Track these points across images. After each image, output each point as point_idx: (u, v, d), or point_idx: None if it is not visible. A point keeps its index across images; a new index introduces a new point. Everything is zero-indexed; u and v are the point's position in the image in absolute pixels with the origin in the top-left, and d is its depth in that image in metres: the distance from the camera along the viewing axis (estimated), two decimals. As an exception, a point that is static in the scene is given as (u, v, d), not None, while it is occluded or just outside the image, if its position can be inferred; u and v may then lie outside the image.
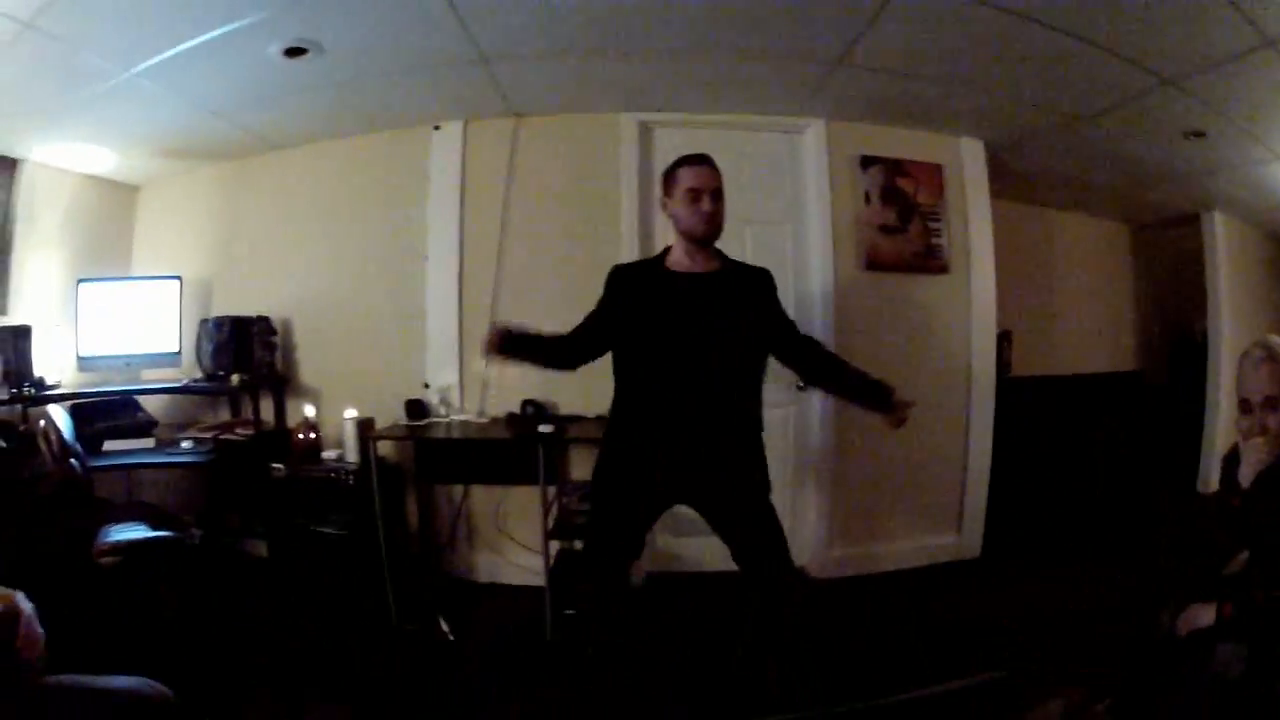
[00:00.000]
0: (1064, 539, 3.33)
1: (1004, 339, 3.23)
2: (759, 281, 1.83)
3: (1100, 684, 1.66)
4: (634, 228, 2.86)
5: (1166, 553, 2.82)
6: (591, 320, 1.89)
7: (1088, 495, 3.29)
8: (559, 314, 2.85)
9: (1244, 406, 1.52)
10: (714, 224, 1.75)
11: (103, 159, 3.09)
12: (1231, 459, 1.56)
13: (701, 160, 1.77)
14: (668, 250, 1.84)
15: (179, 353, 3.17)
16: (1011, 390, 3.21)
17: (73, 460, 2.37)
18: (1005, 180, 3.29)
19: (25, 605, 1.16)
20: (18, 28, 1.94)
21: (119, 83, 2.34)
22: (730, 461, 1.76)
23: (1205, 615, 1.42)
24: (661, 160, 2.97)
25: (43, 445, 2.21)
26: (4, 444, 2.05)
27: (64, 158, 3.01)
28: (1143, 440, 3.61)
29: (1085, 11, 2.08)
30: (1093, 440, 3.41)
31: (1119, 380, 3.85)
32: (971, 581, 2.99)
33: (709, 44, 2.41)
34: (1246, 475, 1.47)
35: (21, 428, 2.47)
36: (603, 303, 1.88)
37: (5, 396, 2.65)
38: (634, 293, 1.80)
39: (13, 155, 2.87)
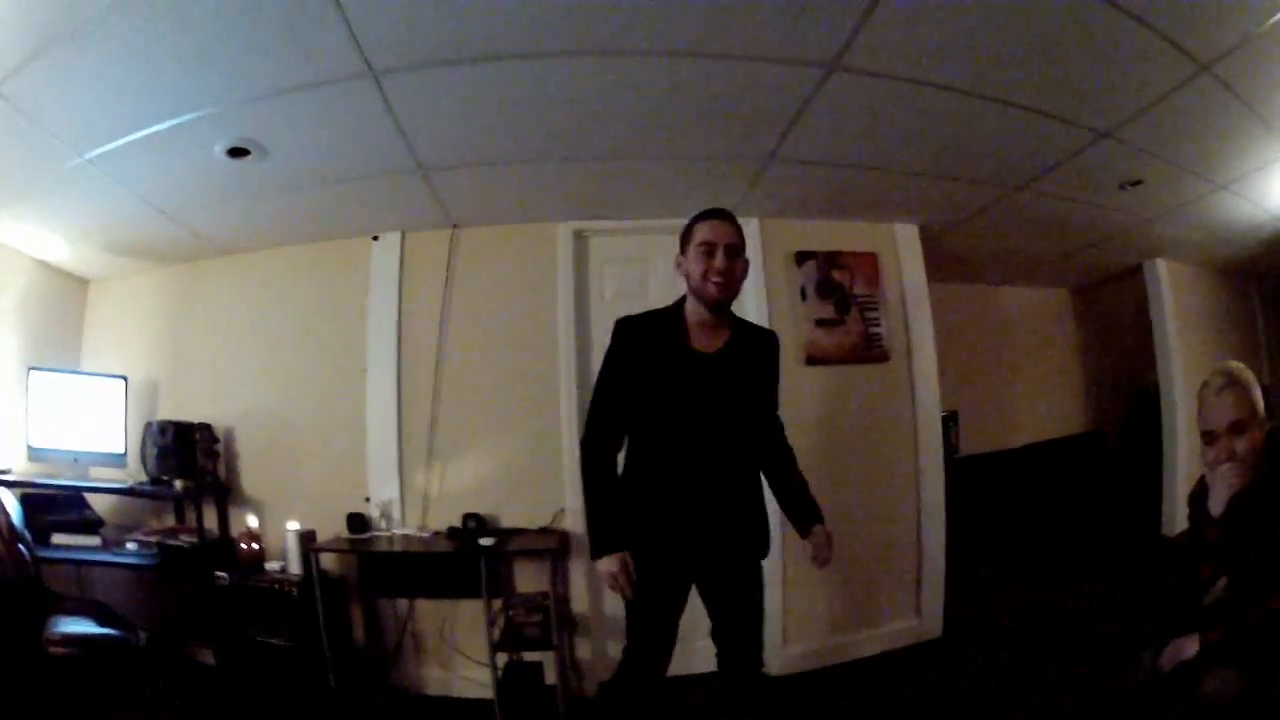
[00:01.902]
0: (1030, 606, 3.33)
1: (949, 420, 3.26)
2: (767, 347, 1.82)
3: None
4: (570, 334, 2.88)
5: (1141, 597, 2.85)
6: (610, 404, 1.77)
7: (1045, 555, 3.30)
8: (496, 423, 2.91)
9: (1208, 438, 1.55)
10: (727, 286, 1.68)
11: (55, 247, 3.08)
12: (1199, 494, 1.59)
13: (719, 215, 1.72)
14: (682, 309, 1.75)
15: (124, 454, 3.15)
16: (961, 469, 3.23)
17: (21, 546, 2.42)
18: (942, 261, 3.36)
19: None
20: None
21: (72, 167, 2.35)
22: (738, 529, 1.77)
23: (1189, 647, 1.45)
24: (597, 267, 3.02)
25: None
26: None
27: (19, 239, 2.99)
28: (1103, 497, 3.64)
29: (1008, 73, 2.09)
30: (1049, 505, 3.43)
31: (1075, 443, 3.89)
32: (935, 662, 2.98)
33: (641, 151, 2.47)
34: (1217, 504, 1.50)
35: None
36: (614, 367, 1.77)
37: None
38: (648, 366, 1.73)
39: None
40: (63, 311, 3.42)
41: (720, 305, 1.71)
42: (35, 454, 3.01)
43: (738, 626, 1.79)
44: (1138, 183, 3.01)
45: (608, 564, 1.66)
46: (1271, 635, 1.34)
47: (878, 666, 2.99)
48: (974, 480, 3.25)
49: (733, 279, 1.69)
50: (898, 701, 2.65)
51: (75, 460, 3.07)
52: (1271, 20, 1.96)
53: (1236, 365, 1.57)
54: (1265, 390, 1.59)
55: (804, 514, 1.86)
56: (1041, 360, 4.07)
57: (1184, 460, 3.96)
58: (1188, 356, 4.11)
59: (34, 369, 3.04)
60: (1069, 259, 3.89)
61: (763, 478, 1.88)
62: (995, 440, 3.65)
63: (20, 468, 2.96)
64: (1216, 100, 2.37)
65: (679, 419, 1.71)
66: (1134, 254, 4.04)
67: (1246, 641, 1.37)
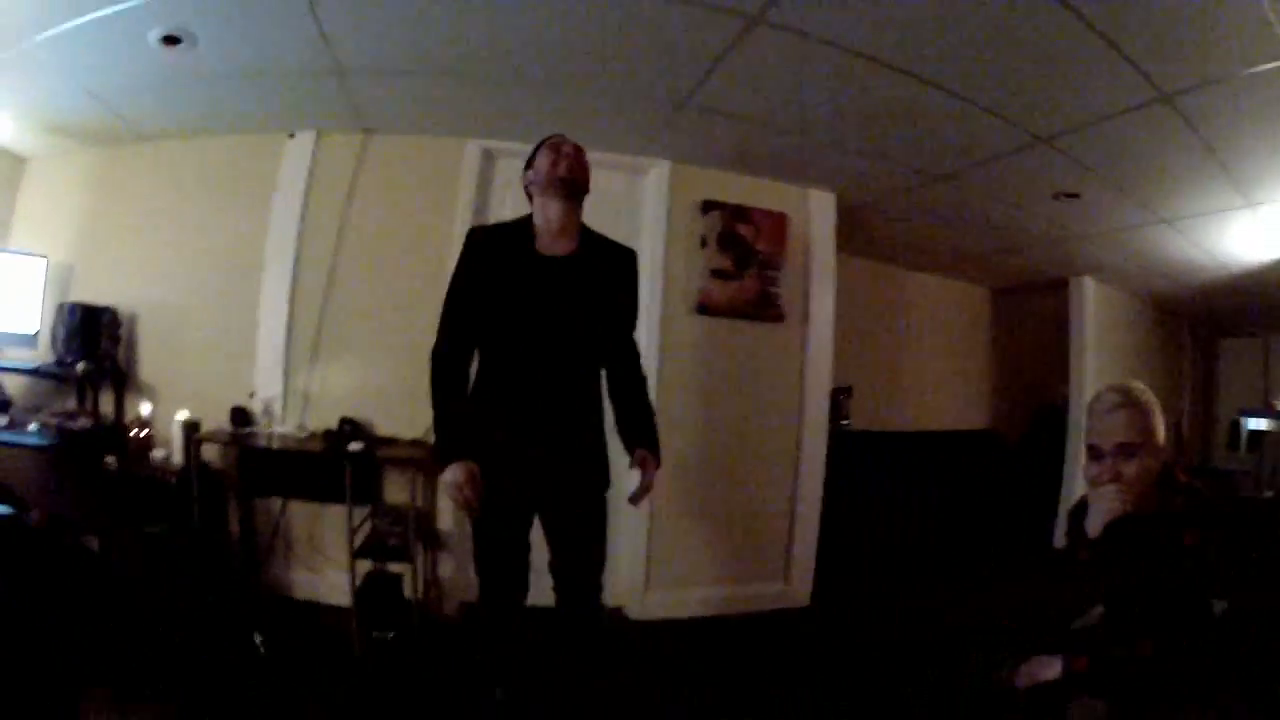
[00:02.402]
0: (899, 592, 3.38)
1: (843, 392, 3.31)
2: (621, 261, 1.81)
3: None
4: None
5: (1009, 609, 2.87)
6: (458, 311, 1.76)
7: (923, 547, 3.35)
8: (382, 332, 2.95)
9: (1093, 453, 1.45)
10: (577, 167, 1.70)
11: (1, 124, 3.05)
12: (1079, 511, 1.50)
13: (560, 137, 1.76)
14: (530, 219, 1.76)
15: (37, 335, 3.12)
16: (847, 443, 3.28)
17: None
18: (858, 237, 3.39)
19: None
20: None
21: (19, 50, 2.36)
22: (577, 456, 1.74)
23: (1048, 669, 1.40)
24: (501, 187, 3.06)
25: None
26: None
27: None
28: (993, 498, 3.69)
29: (953, 63, 2.11)
30: (932, 494, 3.48)
31: (970, 438, 3.94)
32: (798, 629, 3.04)
33: (559, 77, 2.48)
34: (1095, 525, 1.41)
35: None
36: (462, 274, 1.76)
37: None
38: (495, 271, 1.72)
39: None
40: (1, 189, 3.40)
41: (572, 190, 1.70)
42: None
43: (574, 560, 1.76)
44: (1074, 195, 3.02)
45: (452, 473, 1.58)
46: (1136, 678, 1.28)
47: (740, 626, 3.05)
48: (860, 455, 3.30)
49: (582, 166, 1.72)
50: (755, 662, 2.67)
51: None
52: (1251, 70, 1.96)
53: (1138, 385, 1.47)
54: (1173, 424, 1.54)
55: (636, 435, 1.78)
56: (951, 353, 4.12)
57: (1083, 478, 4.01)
58: (1103, 378, 4.16)
59: None
60: (991, 259, 3.92)
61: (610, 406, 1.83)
62: (890, 422, 3.70)
63: None
64: (1173, 132, 2.37)
65: (524, 326, 1.68)
66: (1062, 268, 4.07)
67: (1113, 678, 1.32)
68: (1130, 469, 1.39)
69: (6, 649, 1.68)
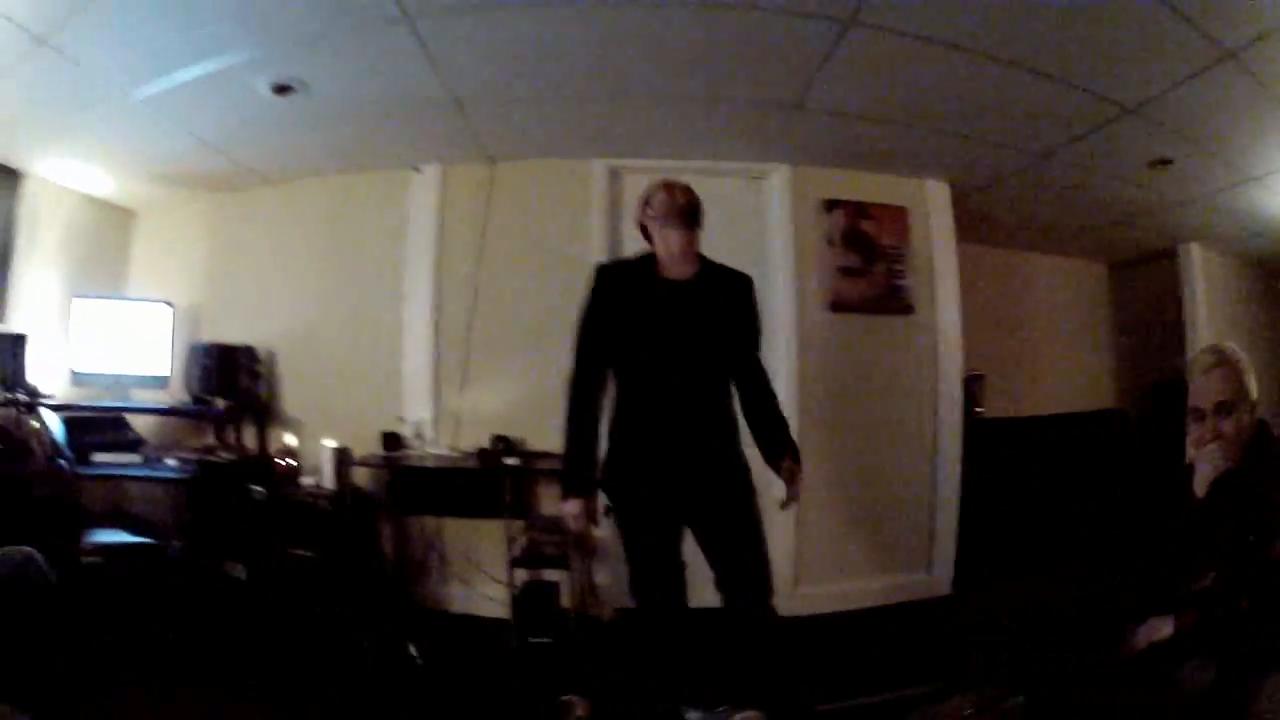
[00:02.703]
0: (1040, 572, 3.43)
1: (975, 381, 3.39)
2: (739, 286, 1.94)
3: (1019, 682, 1.72)
4: None
5: (1134, 567, 2.92)
6: (590, 342, 1.91)
7: (1059, 530, 3.39)
8: (528, 351, 3.11)
9: (1195, 414, 1.53)
10: (692, 201, 1.86)
11: (101, 181, 3.33)
12: (1185, 471, 1.56)
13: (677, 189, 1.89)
14: (653, 253, 1.91)
15: (168, 377, 3.40)
16: (983, 431, 3.36)
17: (61, 461, 2.63)
18: (975, 224, 3.48)
19: None
20: (32, 43, 2.14)
21: (121, 107, 2.57)
22: (719, 468, 1.87)
23: (1163, 628, 1.47)
24: (630, 204, 3.21)
25: (35, 446, 2.49)
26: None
27: (65, 175, 3.25)
28: (1123, 476, 3.72)
29: (1036, 44, 2.21)
30: (1069, 477, 3.53)
31: (1100, 419, 3.97)
32: (943, 617, 3.11)
33: (674, 91, 2.63)
34: (1201, 483, 1.49)
35: (16, 433, 2.69)
36: (592, 306, 1.93)
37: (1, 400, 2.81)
38: (623, 299, 1.88)
39: (17, 167, 3.10)
40: (108, 243, 3.66)
41: (690, 218, 1.85)
42: (78, 378, 3.25)
43: (740, 568, 1.86)
44: (1168, 162, 3.07)
45: (570, 506, 1.83)
46: (1241, 630, 1.35)
47: (887, 616, 3.14)
48: (994, 443, 3.38)
49: (695, 198, 1.88)
50: (904, 652, 2.71)
51: (117, 383, 3.30)
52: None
53: (1229, 345, 1.55)
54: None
55: (775, 448, 1.91)
56: (1073, 332, 4.17)
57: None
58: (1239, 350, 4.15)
59: (77, 296, 3.27)
60: (1102, 233, 3.97)
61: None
62: (1018, 407, 3.76)
63: (63, 392, 3.15)
64: (1243, 89, 2.42)
65: (654, 346, 1.83)
66: (1168, 236, 4.10)
67: (1218, 633, 1.38)
68: (1229, 426, 1.48)
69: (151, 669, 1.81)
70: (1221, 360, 1.52)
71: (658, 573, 1.96)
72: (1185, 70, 2.32)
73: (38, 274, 3.25)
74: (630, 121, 2.85)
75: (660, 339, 1.84)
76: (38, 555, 1.58)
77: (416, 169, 3.21)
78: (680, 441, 1.84)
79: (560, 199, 3.14)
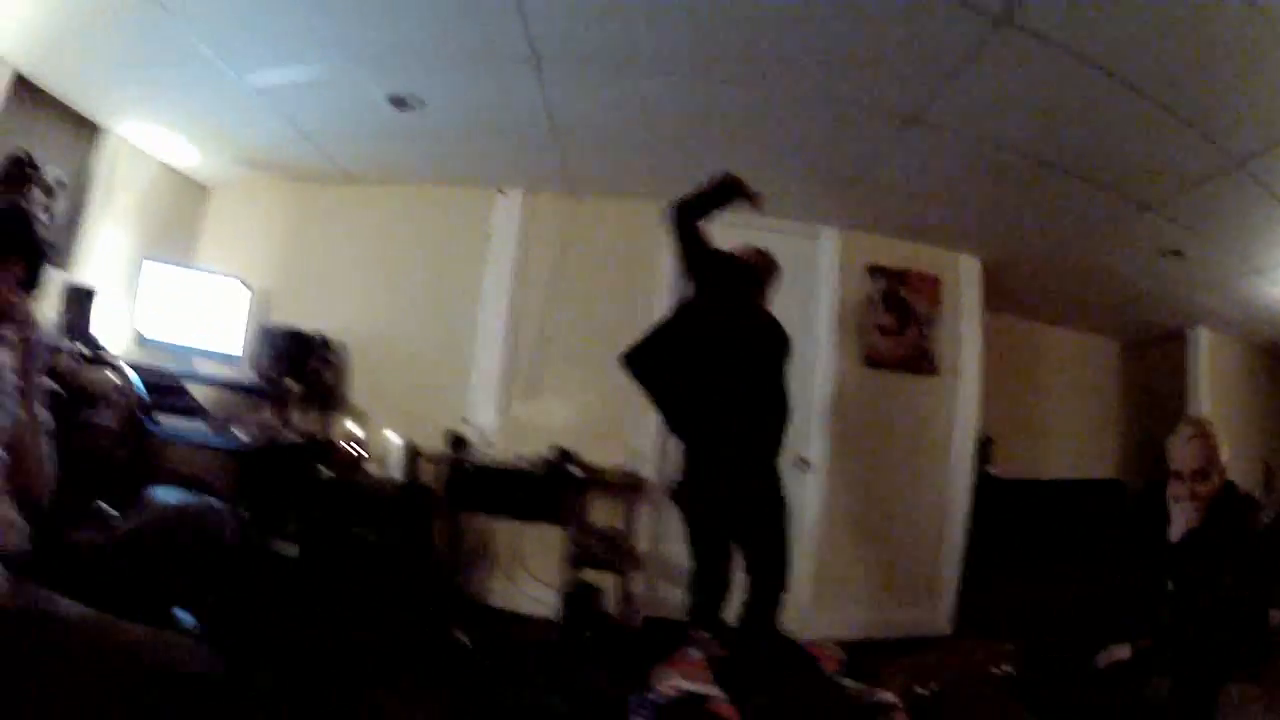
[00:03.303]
0: (1032, 617, 3.93)
1: (986, 443, 3.92)
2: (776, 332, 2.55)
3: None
4: (667, 305, 3.56)
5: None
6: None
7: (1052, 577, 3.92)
8: (592, 373, 3.62)
9: (1175, 476, 1.97)
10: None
11: (186, 152, 3.60)
12: (1164, 521, 2.02)
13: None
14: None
15: (239, 356, 3.69)
16: (990, 488, 3.89)
17: (142, 416, 2.86)
18: (1001, 295, 4.03)
19: None
20: (149, 2, 2.27)
21: (230, 86, 2.86)
22: (751, 493, 2.44)
23: (1121, 652, 1.92)
24: None
25: (115, 399, 2.69)
26: (63, 393, 2.40)
27: (147, 140, 3.47)
28: (1111, 537, 4.23)
29: (1065, 146, 2.74)
30: (1064, 535, 4.05)
31: (1095, 486, 4.50)
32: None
33: (748, 150, 3.12)
34: (1176, 533, 1.96)
35: (88, 384, 2.87)
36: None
37: (65, 348, 2.98)
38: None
39: (98, 121, 3.26)
40: (181, 213, 3.93)
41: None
42: (143, 342, 3.49)
43: (754, 587, 2.45)
44: (1178, 253, 3.58)
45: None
46: (1192, 652, 1.79)
47: (889, 649, 3.62)
48: (999, 499, 3.90)
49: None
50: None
51: (183, 352, 3.57)
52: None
53: (1206, 419, 2.08)
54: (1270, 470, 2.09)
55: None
56: (1083, 403, 4.72)
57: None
58: (1222, 428, 4.69)
59: (148, 259, 3.49)
60: (1116, 312, 4.53)
61: None
62: (1026, 468, 4.30)
63: (125, 353, 3.33)
64: (1252, 193, 2.88)
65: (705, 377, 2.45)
66: (1179, 319, 4.65)
67: (1173, 654, 1.81)
68: (1203, 488, 1.92)
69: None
70: (1199, 433, 1.97)
71: (706, 582, 2.51)
72: (1197, 174, 2.78)
73: (110, 232, 3.45)
74: (706, 172, 3.37)
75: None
76: (221, 507, 1.79)
77: (501, 191, 3.74)
78: (721, 465, 2.43)
79: (633, 235, 3.67)
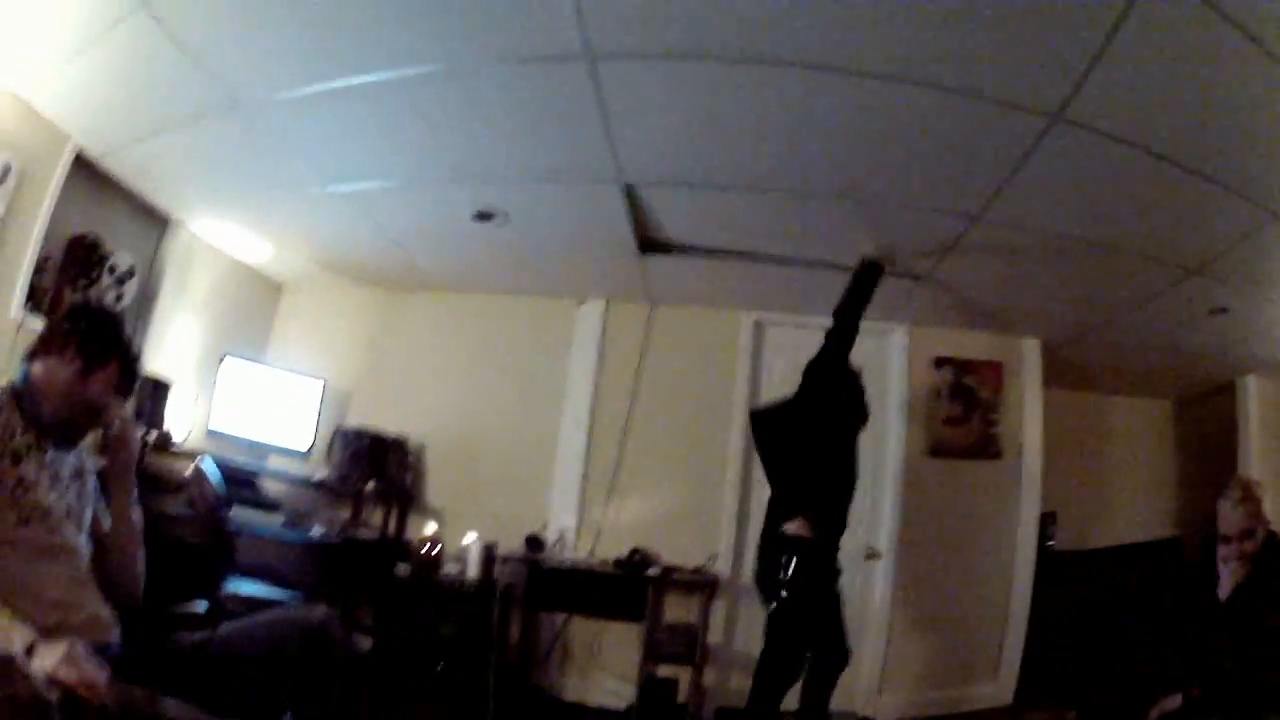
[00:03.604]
0: (1090, 680, 4.14)
1: (1047, 518, 4.09)
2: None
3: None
4: (743, 409, 3.77)
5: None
6: None
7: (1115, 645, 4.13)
8: (669, 475, 3.78)
9: (1224, 539, 2.13)
10: None
11: (259, 249, 3.77)
12: (1214, 580, 2.18)
13: None
14: None
15: (309, 451, 3.90)
16: (1052, 562, 4.06)
17: (223, 511, 2.97)
18: (1059, 371, 4.17)
19: (78, 649, 1.22)
20: (229, 103, 2.41)
21: (313, 194, 3.03)
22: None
23: (1173, 702, 2.06)
24: (770, 352, 3.90)
25: (194, 491, 2.77)
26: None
27: (219, 236, 3.65)
28: (1169, 595, 4.41)
29: (1111, 224, 2.85)
30: (1125, 602, 4.24)
31: (1156, 547, 4.67)
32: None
33: (816, 259, 3.30)
34: (1224, 590, 2.12)
35: (144, 467, 2.99)
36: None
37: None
38: None
39: (171, 215, 3.43)
40: (254, 309, 4.16)
41: None
42: (213, 435, 3.65)
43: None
44: (1224, 310, 3.67)
45: None
46: (1240, 699, 1.98)
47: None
48: (1062, 572, 4.08)
49: None
50: None
51: (253, 447, 3.76)
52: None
53: (1251, 481, 2.19)
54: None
55: None
56: (1141, 467, 4.89)
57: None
58: (1269, 471, 4.84)
59: (229, 355, 3.68)
60: (1166, 374, 4.67)
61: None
62: (1086, 539, 4.49)
63: (197, 446, 3.48)
64: None
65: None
66: (1227, 371, 4.79)
67: (1232, 697, 1.99)
68: (1249, 546, 2.09)
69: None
70: (1245, 495, 2.13)
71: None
72: (1237, 232, 2.82)
73: (181, 324, 3.63)
74: (777, 283, 3.54)
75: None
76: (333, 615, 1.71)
77: (580, 302, 3.89)
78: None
79: (710, 343, 3.87)
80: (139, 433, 1.53)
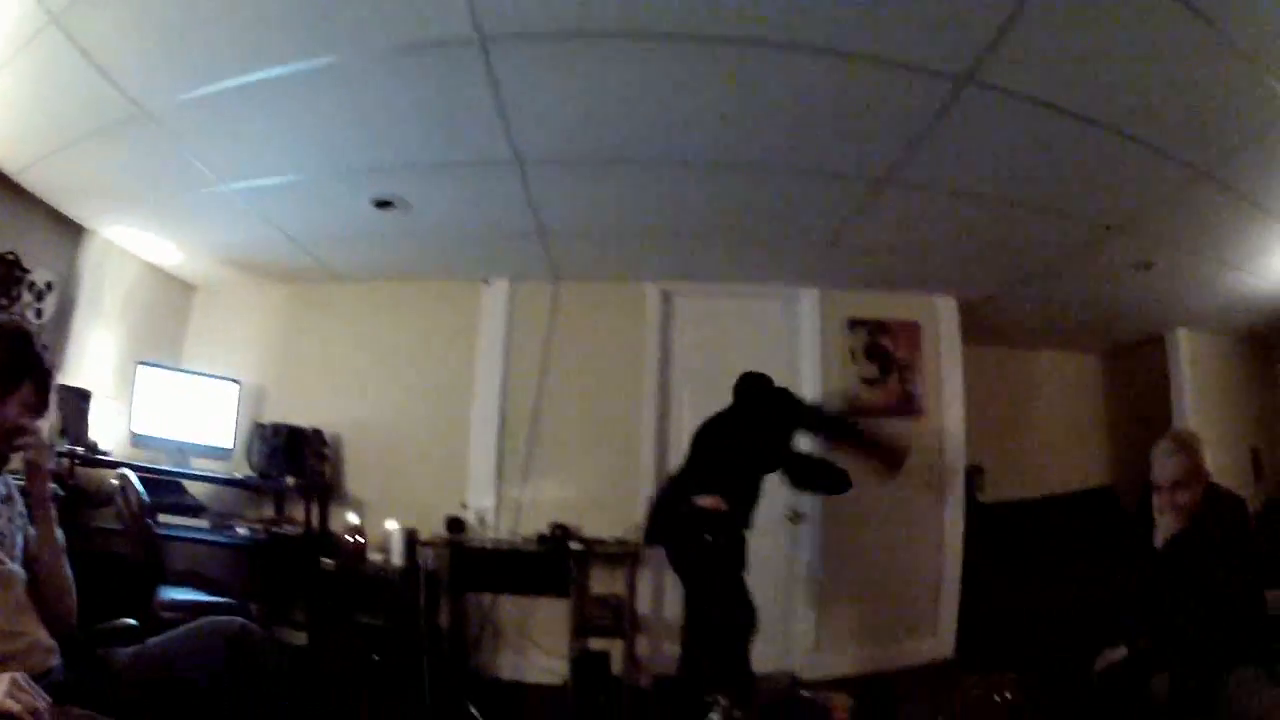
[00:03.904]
0: (1034, 636, 4.20)
1: (974, 470, 4.15)
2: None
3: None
4: (654, 381, 3.83)
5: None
6: None
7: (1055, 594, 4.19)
8: (586, 454, 3.79)
9: (1156, 489, 2.11)
10: None
11: (169, 252, 3.78)
12: (1150, 530, 2.17)
13: None
14: None
15: (232, 449, 3.92)
16: (981, 515, 4.12)
17: (149, 520, 2.92)
18: (980, 328, 4.22)
19: (19, 679, 1.23)
20: (135, 112, 2.45)
21: (214, 193, 3.03)
22: None
23: (1117, 654, 2.10)
24: (680, 323, 3.91)
25: (120, 504, 2.78)
26: (61, 492, 2.44)
27: (132, 241, 3.67)
28: (1108, 544, 4.49)
29: (1030, 183, 2.88)
30: (1060, 549, 4.31)
31: (1086, 497, 4.75)
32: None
33: (729, 230, 3.33)
34: (1159, 540, 2.11)
35: (72, 481, 3.07)
36: None
37: (63, 449, 3.13)
38: None
39: (85, 224, 3.46)
40: (168, 312, 4.16)
41: None
42: (138, 440, 3.66)
43: None
44: (1149, 265, 3.74)
45: None
46: (1196, 649, 1.93)
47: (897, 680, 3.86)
48: (992, 524, 4.14)
49: None
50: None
51: (178, 450, 3.76)
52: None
53: (1185, 434, 2.21)
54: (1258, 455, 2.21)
55: None
56: (1072, 420, 4.97)
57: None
58: (1204, 422, 4.93)
59: (143, 363, 3.70)
60: (1100, 328, 4.74)
61: None
62: (1020, 488, 4.55)
63: (120, 452, 3.52)
64: (1217, 200, 2.99)
65: None
66: (1156, 324, 4.85)
67: (1171, 653, 1.96)
68: (1182, 498, 2.07)
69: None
70: (1178, 447, 2.11)
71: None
72: (1161, 191, 2.89)
73: (99, 333, 3.66)
74: (683, 253, 3.56)
75: None
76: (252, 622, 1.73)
77: (486, 281, 3.89)
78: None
79: (617, 316, 3.87)
80: (53, 450, 1.52)
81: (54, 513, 1.63)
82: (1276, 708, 1.83)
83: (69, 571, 1.62)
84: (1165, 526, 2.12)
